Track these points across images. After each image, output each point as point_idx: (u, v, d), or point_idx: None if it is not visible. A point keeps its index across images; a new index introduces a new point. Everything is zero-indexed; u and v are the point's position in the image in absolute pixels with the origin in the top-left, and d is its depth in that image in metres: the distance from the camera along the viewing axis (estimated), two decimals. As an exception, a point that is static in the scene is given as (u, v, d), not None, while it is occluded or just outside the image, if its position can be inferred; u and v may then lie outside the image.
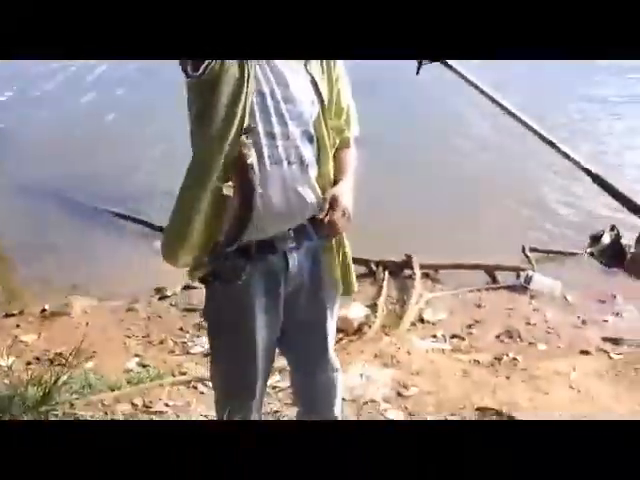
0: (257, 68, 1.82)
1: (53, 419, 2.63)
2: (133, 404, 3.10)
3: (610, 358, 3.64)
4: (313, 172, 1.98)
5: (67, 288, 4.50)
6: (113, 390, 3.18)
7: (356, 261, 2.32)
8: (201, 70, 1.68)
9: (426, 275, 4.61)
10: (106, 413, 2.99)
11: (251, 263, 1.93)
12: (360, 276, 4.12)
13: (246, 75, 1.78)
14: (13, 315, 4.18)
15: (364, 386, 3.28)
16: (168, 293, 4.44)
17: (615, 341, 3.80)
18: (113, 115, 7.34)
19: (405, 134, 6.40)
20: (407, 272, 4.60)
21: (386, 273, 4.56)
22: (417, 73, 1.73)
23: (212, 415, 2.39)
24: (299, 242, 2.01)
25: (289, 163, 1.91)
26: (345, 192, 2.01)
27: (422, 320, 4.12)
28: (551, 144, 1.77)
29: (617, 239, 1.73)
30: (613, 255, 1.73)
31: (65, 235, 5.19)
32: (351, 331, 3.89)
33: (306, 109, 1.94)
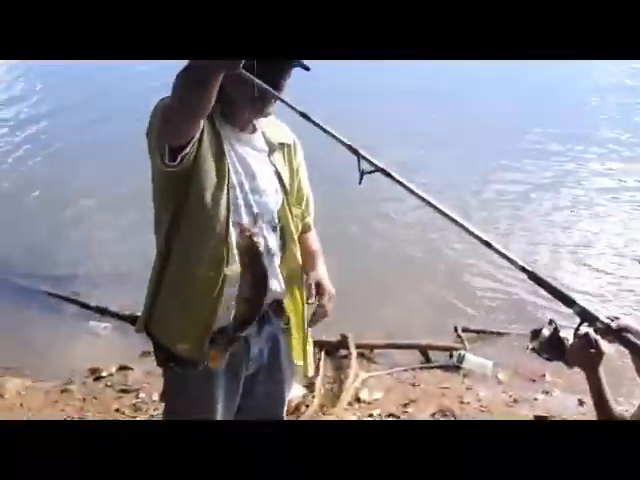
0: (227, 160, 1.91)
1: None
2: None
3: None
4: (277, 260, 2.06)
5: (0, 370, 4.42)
6: None
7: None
8: (178, 160, 1.77)
9: (361, 355, 4.67)
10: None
11: (216, 348, 1.99)
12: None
13: (226, 168, 1.90)
14: None
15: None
16: (103, 374, 4.37)
17: (545, 418, 3.90)
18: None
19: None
20: (343, 352, 4.66)
21: (322, 353, 4.61)
22: (359, 183, 1.84)
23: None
24: (261, 327, 2.08)
25: None
26: (325, 275, 2.15)
27: (359, 399, 4.16)
28: (487, 244, 1.87)
29: (555, 332, 1.82)
30: (553, 348, 1.81)
31: (-3, 315, 5.08)
32: (289, 411, 3.91)
33: (271, 199, 2.03)
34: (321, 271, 2.16)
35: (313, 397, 4.09)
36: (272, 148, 2.11)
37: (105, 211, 6.46)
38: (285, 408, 2.29)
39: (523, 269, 1.82)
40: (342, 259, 5.64)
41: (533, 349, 1.83)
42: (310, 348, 2.27)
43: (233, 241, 1.93)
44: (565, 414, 3.99)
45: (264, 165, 2.07)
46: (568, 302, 1.80)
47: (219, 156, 1.91)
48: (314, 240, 2.28)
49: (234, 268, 1.90)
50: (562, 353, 1.80)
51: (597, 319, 1.80)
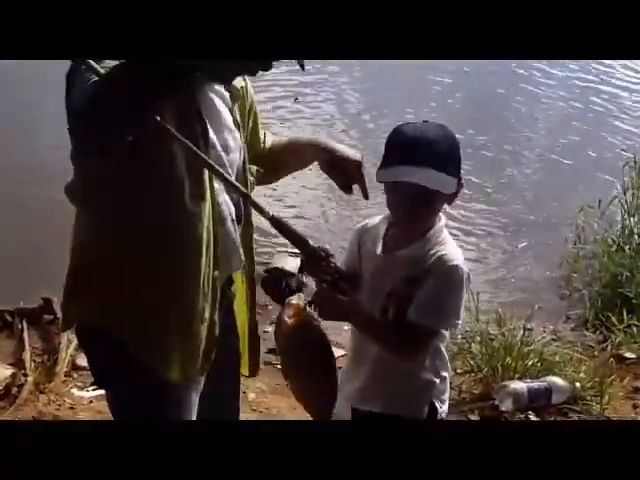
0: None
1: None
2: None
3: None
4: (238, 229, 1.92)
5: None
6: None
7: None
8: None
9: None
10: None
11: None
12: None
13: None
14: None
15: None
16: None
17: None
18: None
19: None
20: (48, 317, 4.15)
21: (24, 323, 4.07)
22: None
23: None
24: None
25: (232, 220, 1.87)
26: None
27: (76, 367, 3.75)
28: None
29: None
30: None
31: None
32: (-5, 395, 3.39)
33: (236, 156, 1.88)
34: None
35: (25, 375, 3.59)
36: (234, 95, 1.90)
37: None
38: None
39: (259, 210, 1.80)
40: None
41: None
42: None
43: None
44: None
45: (227, 116, 1.86)
46: (302, 242, 1.82)
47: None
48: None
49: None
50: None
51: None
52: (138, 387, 1.79)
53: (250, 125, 2.01)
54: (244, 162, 1.92)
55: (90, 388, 3.56)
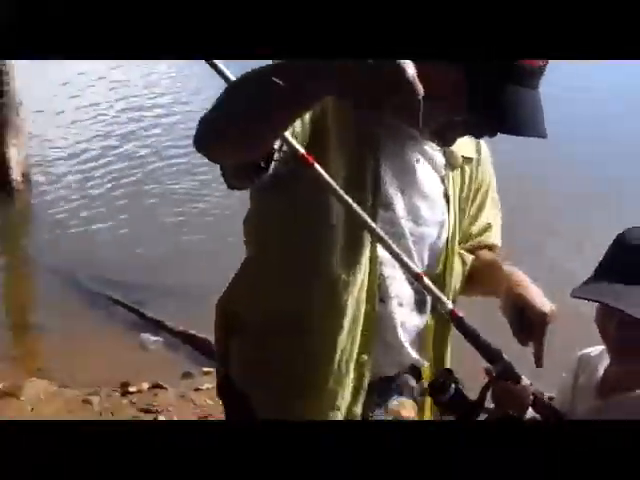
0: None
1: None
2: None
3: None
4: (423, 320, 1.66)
5: (32, 370, 4.27)
6: None
7: None
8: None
9: None
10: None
11: None
12: None
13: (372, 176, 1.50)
14: None
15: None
16: (131, 389, 4.05)
17: None
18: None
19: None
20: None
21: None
22: None
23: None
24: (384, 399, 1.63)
25: None
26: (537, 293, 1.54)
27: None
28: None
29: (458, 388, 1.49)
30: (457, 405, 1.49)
31: (48, 313, 4.89)
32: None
33: (432, 231, 1.62)
34: (525, 287, 1.54)
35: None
36: (451, 163, 1.59)
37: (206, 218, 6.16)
38: None
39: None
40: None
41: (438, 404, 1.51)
42: None
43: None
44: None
45: (433, 183, 1.57)
46: (493, 356, 1.47)
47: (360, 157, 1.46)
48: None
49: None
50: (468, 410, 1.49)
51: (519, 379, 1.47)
52: None
53: (472, 209, 1.69)
54: (448, 242, 1.60)
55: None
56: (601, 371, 1.55)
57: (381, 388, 1.60)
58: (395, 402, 1.41)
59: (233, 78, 1.29)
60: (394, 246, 1.41)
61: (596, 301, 1.44)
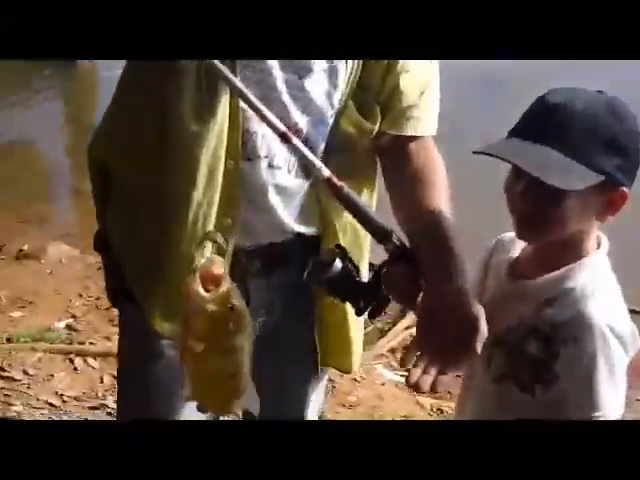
0: None
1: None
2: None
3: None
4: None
5: (60, 234, 4.27)
6: None
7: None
8: None
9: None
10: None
11: None
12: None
13: None
14: None
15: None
16: None
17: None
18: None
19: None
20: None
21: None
22: None
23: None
24: (273, 265, 1.46)
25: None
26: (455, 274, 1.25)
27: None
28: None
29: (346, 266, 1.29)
30: (344, 284, 1.30)
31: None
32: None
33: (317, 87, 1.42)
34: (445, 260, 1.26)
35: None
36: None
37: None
38: (309, 410, 1.62)
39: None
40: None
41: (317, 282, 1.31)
42: (358, 327, 1.56)
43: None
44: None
45: None
46: (382, 235, 1.27)
47: None
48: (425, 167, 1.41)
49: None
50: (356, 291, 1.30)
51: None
52: (131, 318, 1.49)
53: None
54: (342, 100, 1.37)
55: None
56: (515, 253, 1.37)
57: (264, 255, 1.43)
58: (205, 259, 1.13)
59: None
60: (250, 95, 1.25)
61: (494, 156, 1.20)
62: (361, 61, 1.34)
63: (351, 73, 1.34)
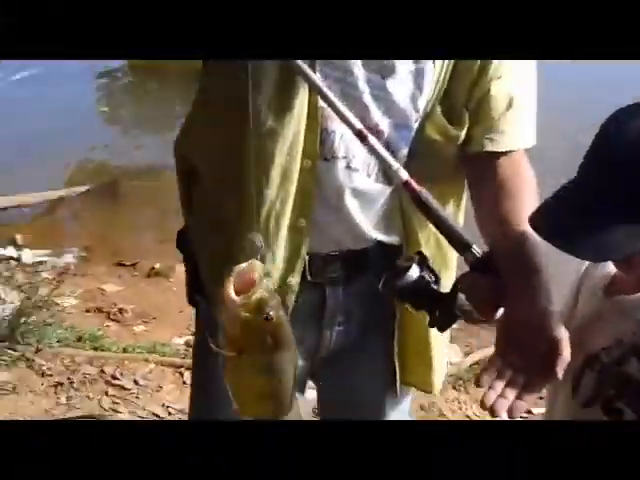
0: None
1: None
2: (102, 371, 2.95)
3: None
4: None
5: None
6: (96, 349, 3.10)
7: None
8: None
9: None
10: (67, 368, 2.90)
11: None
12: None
13: None
14: (124, 265, 4.17)
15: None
16: None
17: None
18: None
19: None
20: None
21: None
22: None
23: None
24: (355, 271, 1.41)
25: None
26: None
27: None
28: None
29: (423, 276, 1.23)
30: (418, 294, 1.24)
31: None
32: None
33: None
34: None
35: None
36: None
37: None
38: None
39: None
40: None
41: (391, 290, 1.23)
42: (441, 344, 1.48)
43: None
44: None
45: None
46: (461, 245, 1.21)
47: None
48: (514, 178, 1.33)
49: None
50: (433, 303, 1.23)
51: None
52: (205, 317, 1.45)
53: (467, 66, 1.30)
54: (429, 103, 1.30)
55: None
56: (613, 270, 1.28)
57: (342, 262, 1.38)
58: (245, 264, 1.05)
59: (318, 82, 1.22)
60: (328, 92, 1.20)
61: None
62: (450, 64, 1.28)
63: (439, 77, 1.28)
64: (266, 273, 1.02)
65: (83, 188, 5.10)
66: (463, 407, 2.94)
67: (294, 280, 1.34)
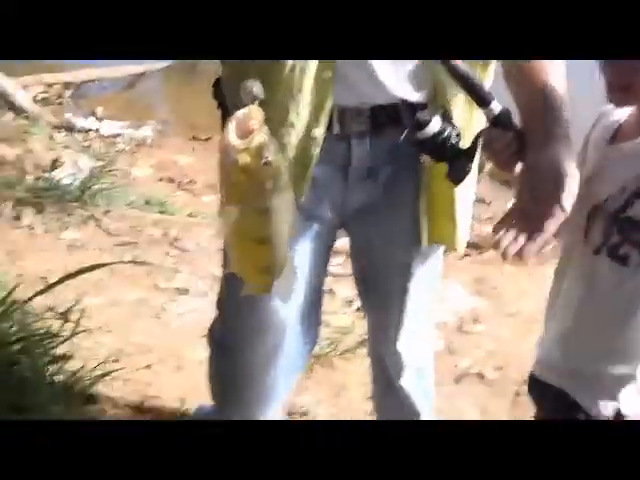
0: None
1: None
2: (166, 233, 3.05)
3: None
4: None
5: None
6: (162, 213, 3.22)
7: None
8: None
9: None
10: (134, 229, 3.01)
11: None
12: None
13: None
14: (198, 139, 4.23)
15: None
16: None
17: None
18: None
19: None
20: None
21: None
22: None
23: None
24: (373, 131, 1.39)
25: None
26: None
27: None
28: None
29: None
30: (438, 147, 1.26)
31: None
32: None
33: None
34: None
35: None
36: None
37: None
38: (412, 283, 1.56)
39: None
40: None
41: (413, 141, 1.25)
42: (466, 201, 1.49)
43: None
44: None
45: None
46: (482, 98, 1.21)
47: None
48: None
49: None
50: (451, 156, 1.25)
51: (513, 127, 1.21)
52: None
53: None
54: None
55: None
56: (620, 120, 1.29)
57: (368, 116, 1.36)
58: (243, 109, 1.03)
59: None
60: None
61: None
62: None
63: None
64: (266, 119, 1.01)
65: (164, 64, 5.17)
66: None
67: (318, 132, 1.33)
